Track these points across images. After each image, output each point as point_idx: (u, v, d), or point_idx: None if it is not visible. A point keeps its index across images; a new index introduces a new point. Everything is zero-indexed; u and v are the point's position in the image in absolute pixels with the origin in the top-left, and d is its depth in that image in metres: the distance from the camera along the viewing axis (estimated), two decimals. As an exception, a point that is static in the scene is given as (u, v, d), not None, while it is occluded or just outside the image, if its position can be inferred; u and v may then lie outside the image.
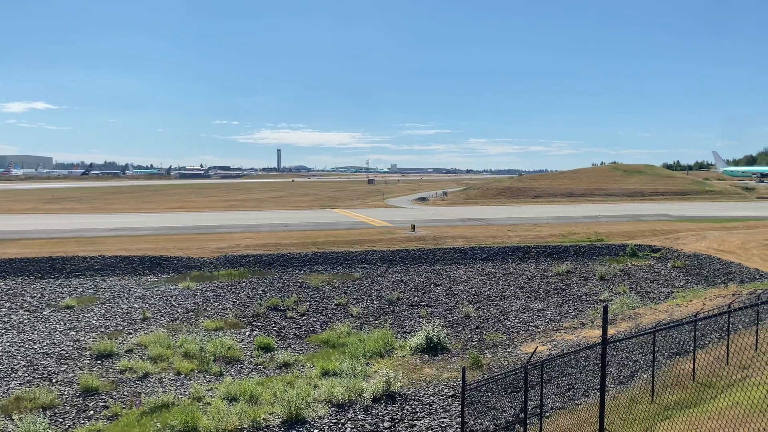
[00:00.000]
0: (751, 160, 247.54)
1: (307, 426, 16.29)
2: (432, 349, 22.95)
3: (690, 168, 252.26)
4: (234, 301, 31.45)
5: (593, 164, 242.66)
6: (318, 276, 38.43)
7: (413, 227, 54.64)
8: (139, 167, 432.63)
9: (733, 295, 28.02)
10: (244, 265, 40.52)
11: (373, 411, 17.23)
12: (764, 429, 8.84)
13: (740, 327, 20.41)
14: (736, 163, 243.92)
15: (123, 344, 23.84)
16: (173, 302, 31.20)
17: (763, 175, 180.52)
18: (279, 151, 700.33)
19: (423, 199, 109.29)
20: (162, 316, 28.57)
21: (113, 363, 21.67)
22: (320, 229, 56.57)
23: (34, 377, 20.39)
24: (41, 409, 17.48)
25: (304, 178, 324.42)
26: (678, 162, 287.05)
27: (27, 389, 19.03)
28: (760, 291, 27.52)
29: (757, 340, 17.03)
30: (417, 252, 44.12)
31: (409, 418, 16.74)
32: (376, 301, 31.71)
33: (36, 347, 23.69)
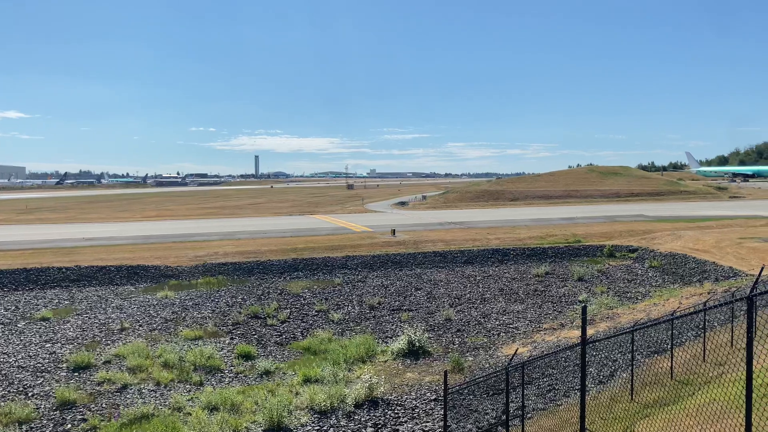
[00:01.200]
0: (723, 160, 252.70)
1: (290, 434, 16.18)
2: (414, 353, 22.96)
3: (664, 169, 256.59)
4: (213, 310, 31.17)
5: (570, 166, 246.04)
6: (298, 283, 38.30)
7: (393, 232, 54.70)
8: (115, 176, 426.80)
9: (708, 293, 28.53)
10: (223, 273, 40.22)
11: (356, 417, 17.18)
12: (741, 424, 9.00)
13: (716, 324, 20.78)
14: (708, 163, 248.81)
15: (101, 355, 23.45)
16: (151, 312, 30.81)
17: (735, 175, 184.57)
18: (257, 157, 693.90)
19: (403, 204, 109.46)
20: (140, 326, 28.19)
21: (91, 375, 21.30)
22: (300, 235, 56.36)
23: (9, 391, 19.94)
24: (17, 424, 17.10)
25: (282, 185, 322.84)
26: (653, 163, 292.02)
27: (2, 403, 18.60)
28: (734, 288, 28.07)
29: (732, 336, 17.35)
30: (397, 256, 44.18)
31: (392, 423, 16.73)
32: (357, 306, 31.67)
33: (11, 360, 23.18)
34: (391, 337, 25.63)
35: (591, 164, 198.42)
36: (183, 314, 30.31)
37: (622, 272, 39.46)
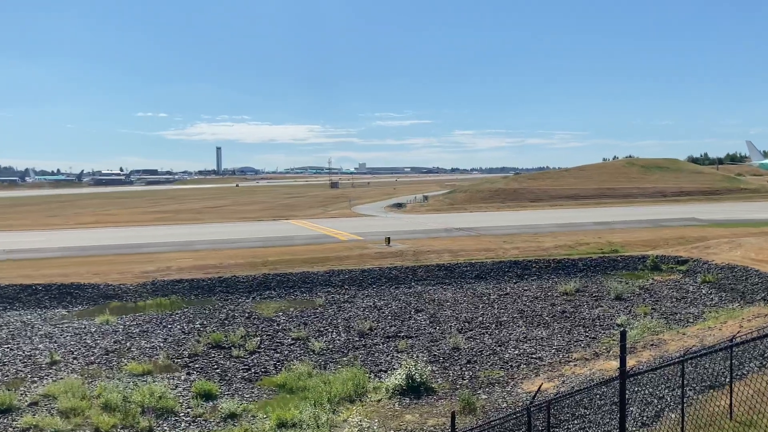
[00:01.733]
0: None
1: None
2: (414, 390, 22.97)
3: (720, 162, 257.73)
4: (165, 338, 31.10)
5: (604, 159, 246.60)
6: (271, 304, 38.29)
7: (388, 240, 54.74)
8: (43, 172, 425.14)
9: (774, 314, 28.63)
10: (177, 293, 40.16)
11: (343, 470, 17.14)
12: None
13: (784, 352, 20.84)
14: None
15: (25, 396, 23.31)
16: (88, 341, 30.68)
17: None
18: (219, 149, 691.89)
19: (399, 206, 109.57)
20: (75, 358, 28.06)
21: (13, 420, 21.16)
22: (272, 245, 56.29)
23: None
24: None
25: (251, 183, 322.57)
26: (706, 155, 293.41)
27: None
28: (807, 308, 28.19)
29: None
30: (393, 271, 44.25)
31: (388, 476, 16.70)
32: (344, 332, 31.67)
33: None
34: (385, 371, 25.61)
35: (630, 156, 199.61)
36: (128, 344, 30.17)
37: (669, 289, 39.61)
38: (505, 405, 21.19)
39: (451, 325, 32.45)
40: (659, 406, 17.97)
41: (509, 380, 24.15)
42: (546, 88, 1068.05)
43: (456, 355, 27.57)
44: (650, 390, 19.24)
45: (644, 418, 17.48)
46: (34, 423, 20.65)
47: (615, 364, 23.75)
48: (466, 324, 32.70)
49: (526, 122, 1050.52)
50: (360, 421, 19.39)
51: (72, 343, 30.49)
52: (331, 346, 29.34)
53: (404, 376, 23.22)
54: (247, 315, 35.61)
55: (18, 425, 20.75)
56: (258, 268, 44.79)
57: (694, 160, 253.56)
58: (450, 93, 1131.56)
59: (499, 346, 28.73)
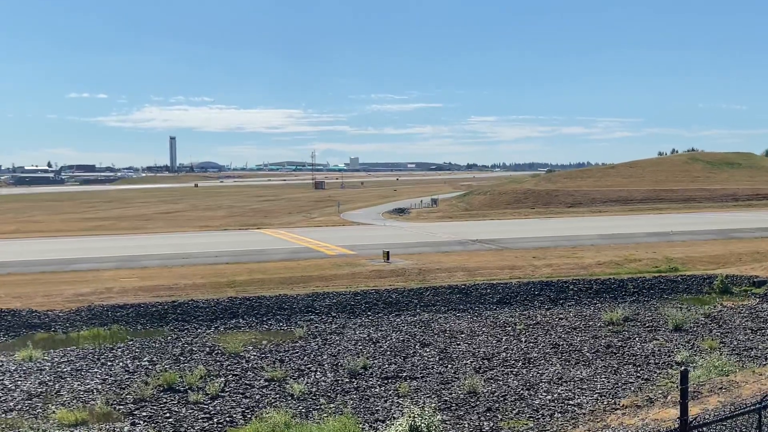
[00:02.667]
0: None
1: None
2: (419, 445, 22.88)
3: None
4: (105, 379, 31.02)
5: (660, 153, 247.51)
6: (238, 335, 38.29)
7: (387, 255, 54.75)
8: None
9: None
10: (119, 321, 40.12)
11: None
12: None
13: None
14: None
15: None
16: (6, 382, 30.57)
17: None
18: (173, 139, 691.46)
19: (401, 211, 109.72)
20: (-11, 405, 27.97)
21: None
22: (241, 261, 56.34)
23: None
24: None
25: (213, 182, 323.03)
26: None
27: None
28: None
29: None
30: (393, 294, 44.34)
31: None
32: (331, 372, 31.63)
33: None
34: (383, 421, 25.56)
35: (693, 150, 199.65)
36: (57, 386, 30.07)
37: (743, 317, 39.66)
38: (534, 464, 21.14)
39: (466, 363, 32.40)
40: (730, 466, 17.93)
41: (540, 433, 24.11)
42: (587, 63, 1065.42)
43: (472, 400, 27.50)
44: (719, 445, 19.22)
45: (711, 482, 17.43)
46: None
47: (674, 412, 23.70)
48: (486, 361, 32.63)
49: (561, 106, 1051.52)
50: (351, 484, 19.34)
51: (-15, 384, 30.39)
52: (314, 389, 29.22)
53: (407, 428, 23.17)
54: (208, 349, 35.53)
55: None
56: (222, 290, 44.77)
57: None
58: (465, 68, 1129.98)
59: (528, 389, 28.66)
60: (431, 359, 33.32)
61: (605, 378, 29.91)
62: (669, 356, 32.78)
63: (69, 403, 28.04)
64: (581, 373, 30.68)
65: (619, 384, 29.08)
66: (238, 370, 32.19)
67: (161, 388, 29.48)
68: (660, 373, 30.31)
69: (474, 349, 34.84)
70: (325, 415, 26.35)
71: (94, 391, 29.47)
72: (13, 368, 32.61)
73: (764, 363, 30.63)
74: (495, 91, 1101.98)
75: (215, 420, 26.33)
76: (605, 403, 26.95)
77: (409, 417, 23.74)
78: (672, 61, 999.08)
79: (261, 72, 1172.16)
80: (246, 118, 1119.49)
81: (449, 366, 32.19)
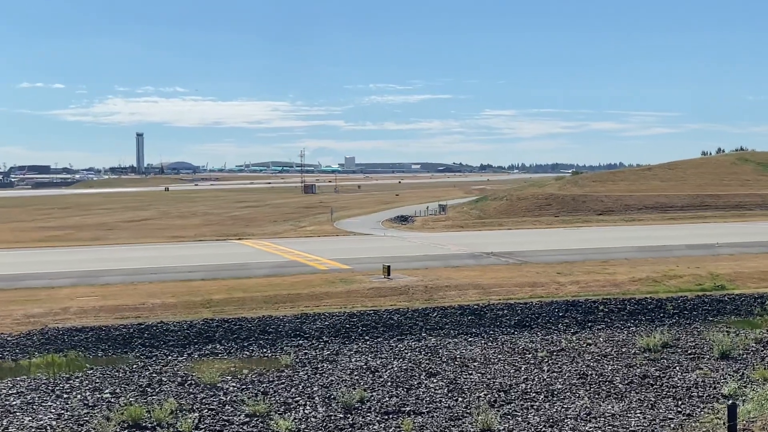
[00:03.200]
0: None
1: None
2: (425, 493, 22.69)
3: None
4: (60, 414, 30.73)
5: (704, 153, 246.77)
6: (215, 363, 38.02)
7: (387, 270, 54.49)
8: None
9: None
10: (77, 347, 39.86)
11: None
12: None
13: None
14: None
15: None
16: (-55, 418, 30.37)
17: None
18: (140, 136, 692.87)
19: (404, 219, 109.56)
20: (-76, 444, 27.77)
21: None
22: (218, 276, 56.11)
23: None
24: None
25: (187, 185, 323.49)
26: None
27: None
28: None
29: None
30: (395, 315, 44.14)
31: None
32: (322, 406, 31.43)
33: None
34: (383, 464, 25.33)
35: (742, 149, 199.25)
36: (5, 421, 29.74)
37: (801, 343, 39.37)
38: None
39: (479, 396, 32.06)
40: None
41: (566, 478, 23.89)
42: (620, 47, 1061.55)
43: (487, 440, 27.26)
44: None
45: None
46: None
47: (722, 454, 23.46)
48: (502, 394, 32.34)
49: (589, 98, 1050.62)
50: None
51: None
52: (303, 426, 28.96)
53: (411, 473, 22.97)
54: (180, 379, 35.23)
55: None
56: (196, 310, 44.58)
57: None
58: (478, 54, 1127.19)
59: (551, 426, 28.38)
60: (439, 391, 32.97)
61: (641, 413, 29.56)
62: (714, 388, 32.40)
63: (17, 442, 27.85)
64: (613, 407, 30.35)
65: (657, 421, 28.76)
66: (215, 403, 31.89)
67: (125, 425, 29.12)
68: (704, 408, 29.90)
69: (488, 379, 34.53)
70: (316, 457, 26.14)
71: (48, 428, 29.10)
72: (-46, 401, 32.37)
73: (826, 396, 30.34)
74: (513, 80, 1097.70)
75: (187, 463, 26.13)
76: (642, 443, 26.68)
77: (414, 460, 23.53)
78: (718, 45, 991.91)
79: (242, 58, 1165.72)
80: (225, 111, 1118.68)
81: (460, 399, 31.87)
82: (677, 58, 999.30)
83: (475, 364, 37.12)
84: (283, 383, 34.59)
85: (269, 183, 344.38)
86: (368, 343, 41.23)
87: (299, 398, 32.43)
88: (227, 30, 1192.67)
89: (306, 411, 30.92)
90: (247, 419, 30.00)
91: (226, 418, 30.29)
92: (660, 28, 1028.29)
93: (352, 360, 38.20)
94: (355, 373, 36.01)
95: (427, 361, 37.61)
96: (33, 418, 30.33)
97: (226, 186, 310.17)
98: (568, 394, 32.32)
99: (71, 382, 35.03)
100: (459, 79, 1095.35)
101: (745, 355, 37.35)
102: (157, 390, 33.78)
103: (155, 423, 29.37)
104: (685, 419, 28.94)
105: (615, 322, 44.48)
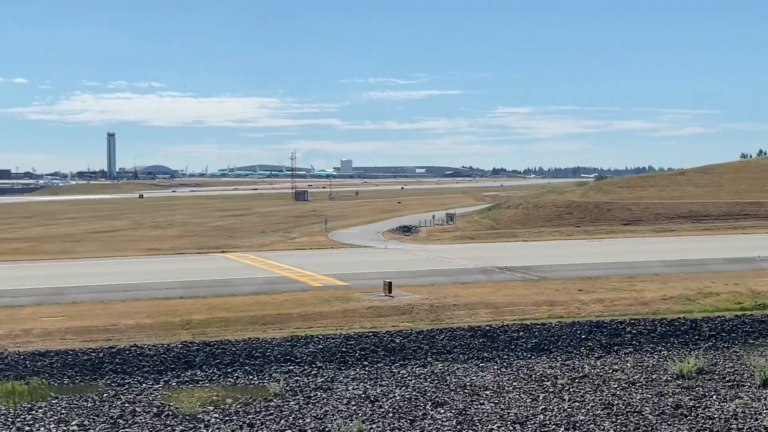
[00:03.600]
0: None
1: None
2: None
3: None
4: (19, 451, 30.62)
5: (743, 156, 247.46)
6: (195, 392, 37.95)
7: (389, 287, 54.36)
8: None
9: None
10: (41, 373, 39.69)
11: None
12: None
13: None
14: None
15: None
16: None
17: None
18: (112, 136, 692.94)
19: (407, 230, 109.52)
20: None
21: None
22: (198, 294, 56.10)
23: None
24: None
25: (163, 191, 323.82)
26: None
27: None
28: None
29: None
30: (398, 338, 44.04)
31: None
32: (316, 441, 31.17)
33: None
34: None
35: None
36: (-45, 460, 29.65)
37: None
38: None
39: (492, 429, 32.04)
40: None
41: None
42: (649, 38, 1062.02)
43: (502, 480, 27.13)
44: None
45: None
46: None
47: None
48: (518, 426, 32.27)
49: (616, 94, 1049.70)
50: None
51: None
52: (293, 465, 28.90)
53: None
54: (155, 410, 35.11)
55: None
56: (174, 332, 44.47)
57: None
58: (491, 44, 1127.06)
59: (574, 465, 28.27)
60: (447, 423, 32.89)
61: (675, 450, 29.50)
62: (756, 419, 32.34)
63: (-29, 482, 27.61)
64: (643, 442, 30.29)
65: (693, 458, 28.67)
66: (195, 438, 31.77)
67: (93, 463, 29.11)
68: (746, 444, 29.92)
69: (502, 410, 34.39)
70: (308, 499, 25.94)
71: (5, 466, 29.06)
72: None
73: None
74: (529, 74, 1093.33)
75: (162, 506, 25.92)
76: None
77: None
78: (762, 35, 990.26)
79: (225, 49, 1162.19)
80: (206, 108, 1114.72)
81: (470, 433, 31.72)
82: (715, 49, 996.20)
83: (488, 392, 37.01)
84: (271, 414, 34.47)
85: (256, 189, 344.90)
86: (367, 368, 41.12)
87: (290, 431, 32.35)
88: (210, 19, 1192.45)
89: (297, 447, 30.94)
90: (231, 456, 29.96)
91: (206, 454, 30.24)
92: (694, 16, 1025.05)
93: (349, 388, 38.09)
94: (353, 402, 35.89)
95: (434, 390, 37.50)
96: (-11, 455, 30.19)
97: (207, 192, 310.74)
98: (592, 426, 32.22)
99: (34, 413, 34.88)
100: (469, 73, 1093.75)
101: (791, 383, 37.25)
102: (130, 422, 33.64)
103: (127, 460, 29.24)
104: (724, 456, 28.85)
105: (644, 345, 44.34)
